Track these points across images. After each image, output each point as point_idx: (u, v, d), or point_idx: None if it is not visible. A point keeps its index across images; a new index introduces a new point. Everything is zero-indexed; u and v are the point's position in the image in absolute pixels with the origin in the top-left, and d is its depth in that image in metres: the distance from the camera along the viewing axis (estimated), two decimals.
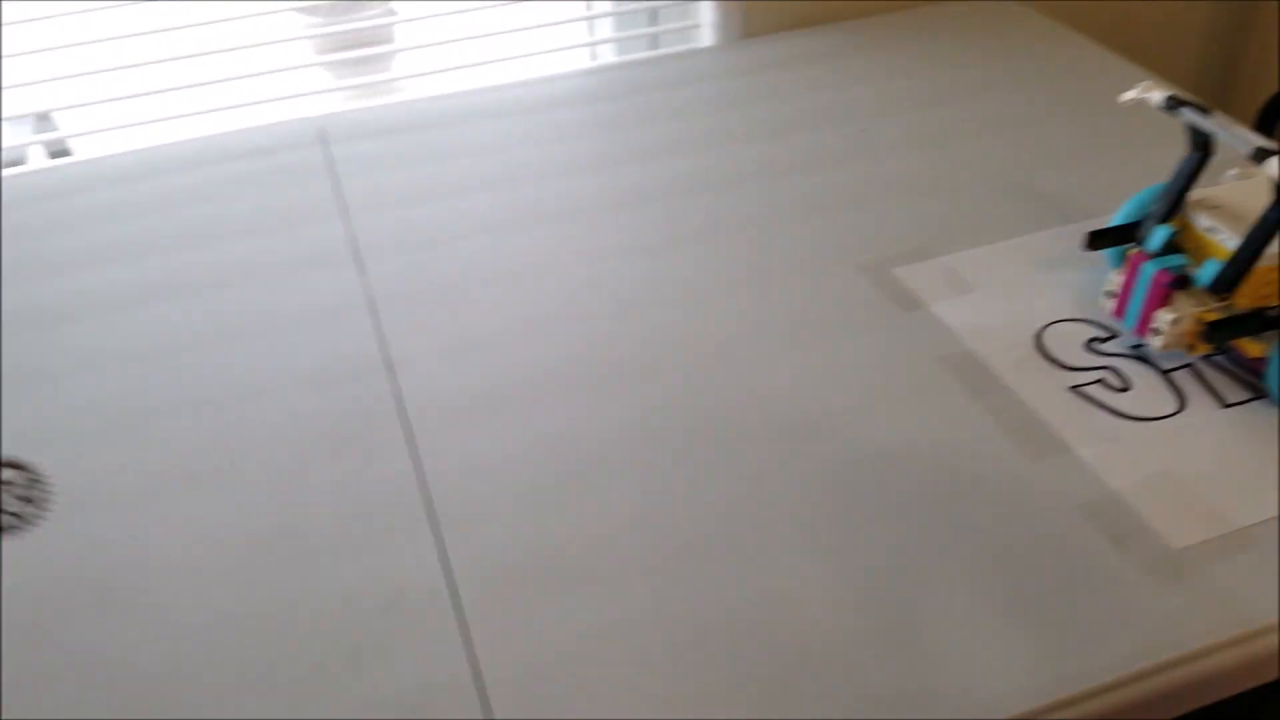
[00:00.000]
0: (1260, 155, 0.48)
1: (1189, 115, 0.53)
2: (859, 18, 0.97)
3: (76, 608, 0.46)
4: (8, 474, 0.51)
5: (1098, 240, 0.58)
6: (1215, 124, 0.52)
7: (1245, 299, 0.52)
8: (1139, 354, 0.57)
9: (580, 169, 0.75)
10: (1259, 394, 0.54)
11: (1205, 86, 1.25)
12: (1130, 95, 0.55)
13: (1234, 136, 0.50)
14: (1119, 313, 0.57)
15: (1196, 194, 0.55)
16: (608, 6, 0.99)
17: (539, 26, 0.94)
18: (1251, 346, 0.54)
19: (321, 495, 0.50)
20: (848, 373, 0.57)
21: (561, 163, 0.75)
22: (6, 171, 0.76)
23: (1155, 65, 1.16)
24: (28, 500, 0.50)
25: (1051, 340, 0.59)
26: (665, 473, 0.51)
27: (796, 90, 0.85)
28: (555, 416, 0.54)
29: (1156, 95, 0.54)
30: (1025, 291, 0.62)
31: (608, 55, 1.01)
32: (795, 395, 0.55)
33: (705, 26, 0.95)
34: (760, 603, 0.45)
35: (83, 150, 0.87)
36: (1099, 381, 0.56)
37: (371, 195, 0.72)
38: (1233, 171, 0.59)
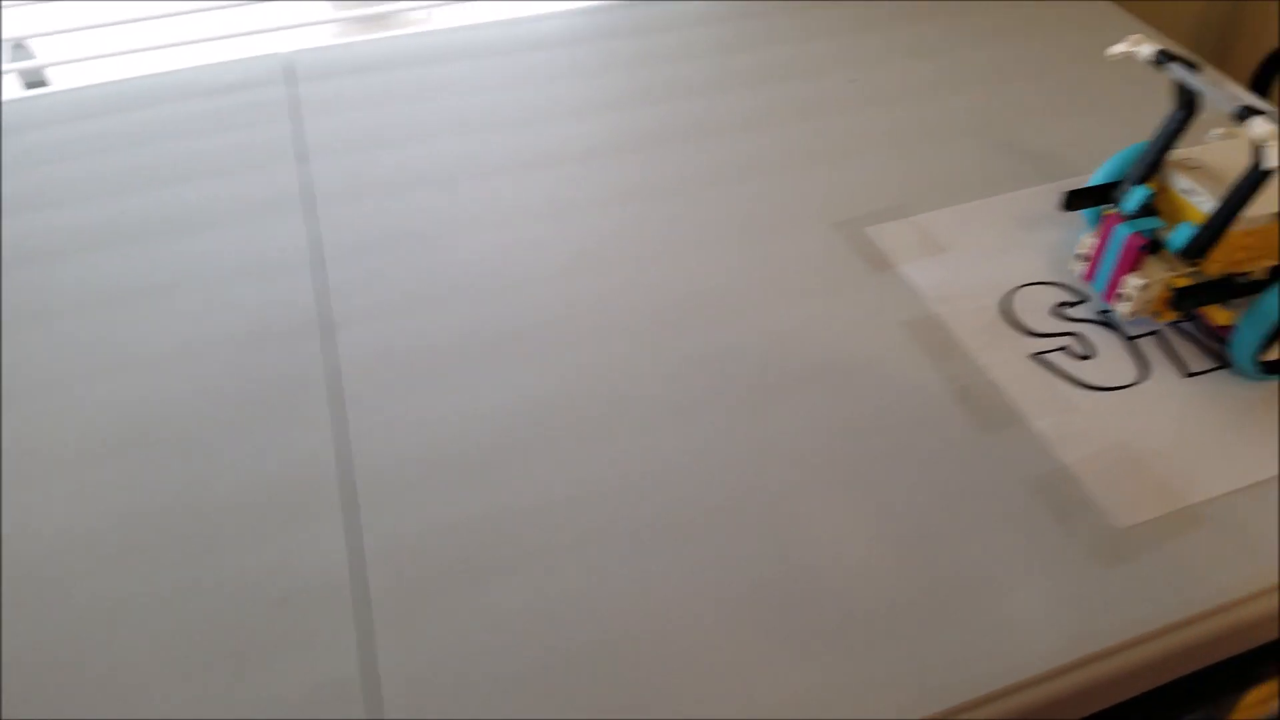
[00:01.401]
0: (1244, 114, 0.45)
1: (1177, 71, 0.50)
2: None
3: None
4: None
5: (1075, 200, 0.55)
6: (1203, 81, 0.49)
7: (1217, 265, 0.50)
8: (1107, 320, 0.55)
9: (553, 115, 0.72)
10: (1223, 363, 0.52)
11: (1204, 44, 1.20)
12: (1119, 49, 0.52)
13: (1221, 94, 0.47)
14: (1090, 276, 0.54)
15: (1177, 154, 0.52)
16: None
17: None
18: (1218, 314, 0.52)
19: (233, 469, 0.48)
20: (805, 337, 0.55)
21: (537, 107, 0.73)
22: None
23: (1155, 19, 1.12)
24: None
25: (1020, 304, 0.57)
26: (619, 444, 0.50)
27: (782, 37, 0.82)
28: (503, 384, 0.53)
29: (1146, 49, 0.51)
30: (999, 252, 0.60)
31: None
32: (739, 364, 0.53)
33: None
34: (696, 597, 0.44)
35: (59, 80, 0.85)
36: (1062, 349, 0.54)
37: (334, 138, 0.70)
38: (1217, 131, 0.56)
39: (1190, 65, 0.50)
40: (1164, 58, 0.50)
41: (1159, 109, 0.71)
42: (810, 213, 0.63)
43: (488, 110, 0.73)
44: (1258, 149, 0.45)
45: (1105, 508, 0.46)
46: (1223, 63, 1.22)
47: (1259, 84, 1.07)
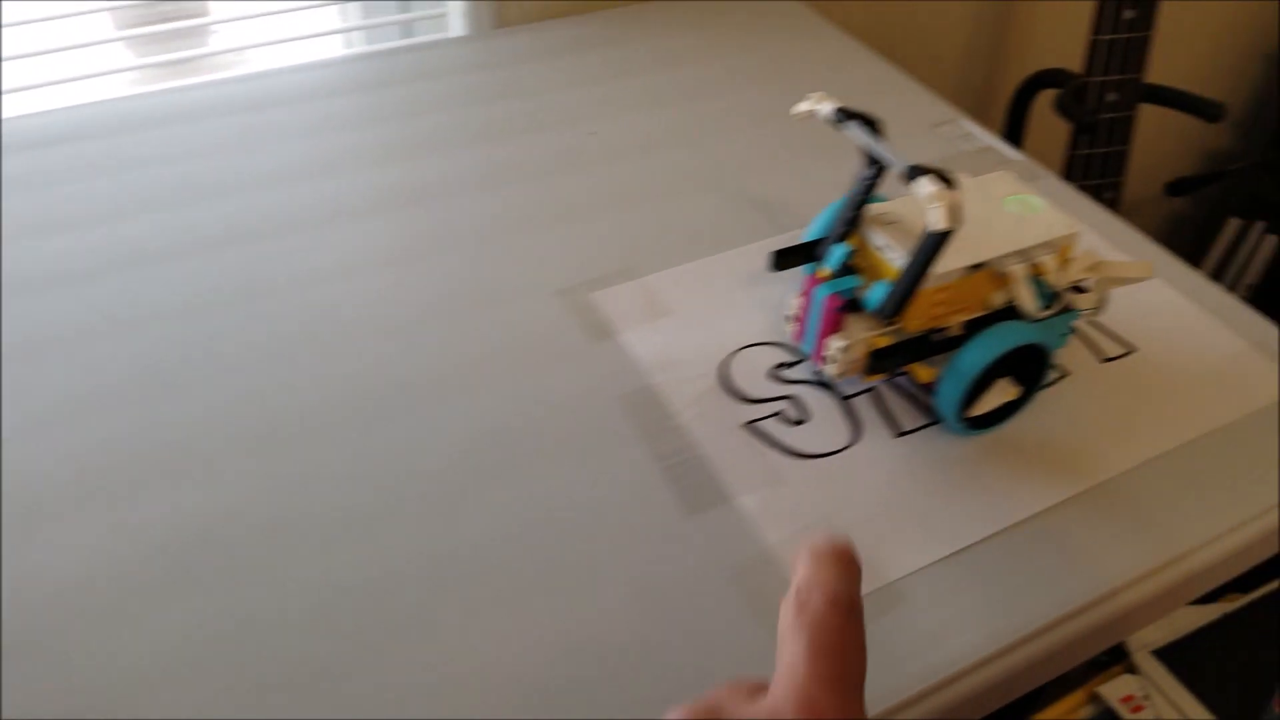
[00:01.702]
0: (912, 174, 0.44)
1: (852, 130, 0.48)
2: (621, 4, 0.91)
3: None
4: None
5: (782, 260, 0.54)
6: (876, 140, 0.48)
7: (916, 322, 0.49)
8: (822, 380, 0.54)
9: (276, 178, 0.67)
10: (935, 418, 0.51)
11: (970, 83, 1.22)
12: (802, 107, 0.50)
13: (891, 154, 0.46)
14: (800, 337, 0.53)
15: (875, 208, 0.51)
16: None
17: (287, 11, 0.86)
18: (922, 371, 0.50)
19: None
20: (511, 423, 0.51)
21: (260, 171, 0.68)
22: None
23: (921, 63, 1.14)
24: None
25: (738, 368, 0.54)
26: (290, 567, 0.45)
27: (534, 87, 0.79)
28: (164, 501, 0.47)
29: (826, 107, 0.49)
30: (722, 313, 0.58)
31: (363, 42, 0.93)
32: (434, 459, 0.50)
33: (454, 15, 0.87)
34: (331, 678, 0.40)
35: None
36: (777, 414, 0.52)
37: (26, 219, 0.63)
38: None
39: (869, 122, 0.49)
40: (842, 115, 0.49)
41: (913, 153, 0.71)
42: (534, 279, 0.60)
43: (214, 175, 0.67)
44: (928, 211, 0.44)
45: None
46: (988, 100, 1.25)
47: (1018, 103, 1.09)
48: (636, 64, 0.82)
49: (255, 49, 0.89)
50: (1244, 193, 1.51)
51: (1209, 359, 0.56)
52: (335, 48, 0.92)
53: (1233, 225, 1.52)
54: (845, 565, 0.32)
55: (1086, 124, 0.96)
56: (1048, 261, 0.48)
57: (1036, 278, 0.49)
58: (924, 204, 0.43)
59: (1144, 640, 1.26)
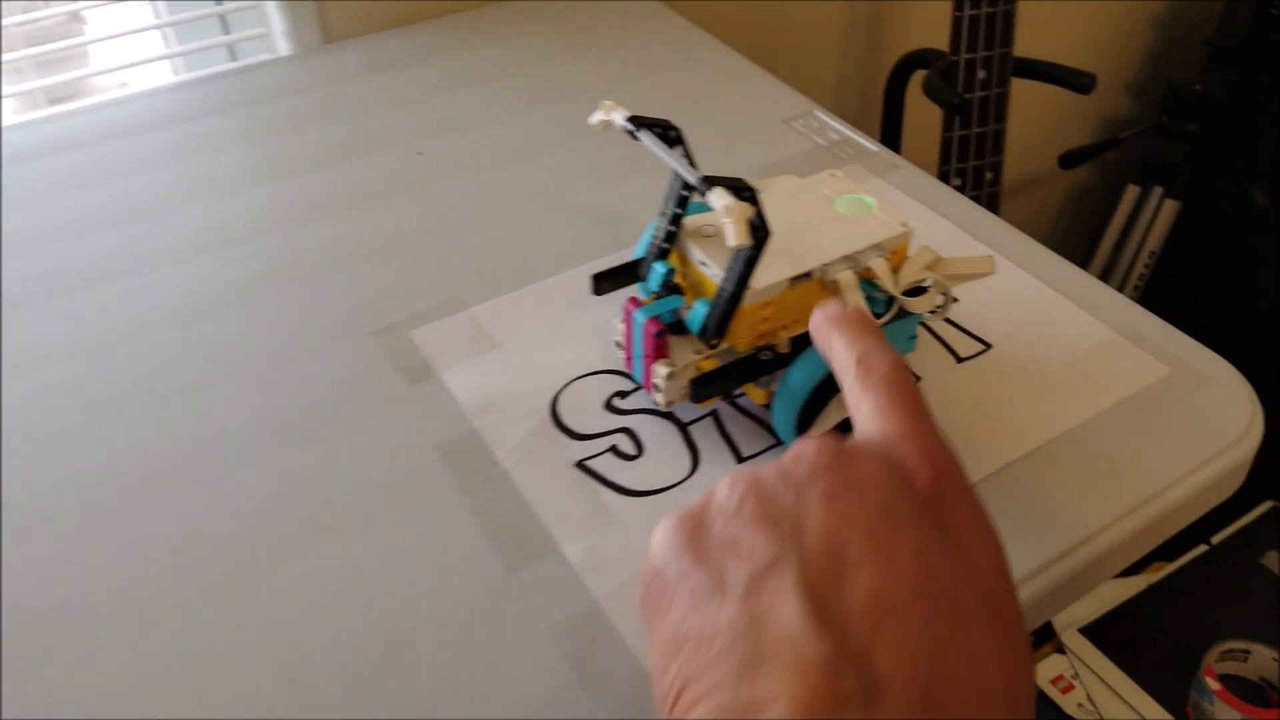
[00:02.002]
0: (705, 187, 0.40)
1: (645, 140, 0.44)
2: (458, 10, 0.86)
3: None
4: None
5: (604, 283, 0.49)
6: (669, 152, 0.43)
7: (744, 341, 0.45)
8: (658, 407, 0.49)
9: (66, 229, 0.61)
10: (778, 440, 0.47)
11: (847, 81, 1.19)
12: (596, 117, 0.46)
13: (684, 167, 0.42)
14: (629, 364, 0.48)
15: (692, 221, 0.47)
16: (173, 13, 0.85)
17: (111, 37, 0.80)
18: (756, 393, 0.46)
19: None
20: (313, 486, 0.46)
21: (43, 224, 0.62)
22: None
23: (795, 56, 1.11)
24: None
25: (570, 402, 0.50)
26: (54, 669, 0.40)
27: (361, 106, 0.74)
28: None
29: (618, 116, 0.45)
30: (555, 341, 0.53)
31: (196, 68, 0.87)
32: (228, 531, 0.44)
33: (277, 34, 0.82)
34: None
35: None
36: (611, 449, 0.48)
37: None
38: None
39: (664, 131, 0.45)
40: (636, 124, 0.44)
41: (779, 160, 0.67)
42: (348, 321, 0.55)
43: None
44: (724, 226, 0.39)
45: (635, 650, 0.40)
46: (869, 96, 1.22)
47: (892, 88, 1.06)
48: (471, 74, 0.77)
49: (87, 77, 0.83)
50: (1139, 159, 1.50)
51: (1073, 350, 0.52)
52: (165, 75, 0.86)
53: (1131, 192, 1.52)
54: (875, 328, 0.34)
55: (955, 105, 0.93)
56: (879, 265, 0.45)
57: (868, 283, 0.45)
58: (720, 219, 0.39)
59: (1070, 618, 1.25)
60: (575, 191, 0.64)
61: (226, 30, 0.86)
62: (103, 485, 0.46)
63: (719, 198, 0.39)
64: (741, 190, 0.39)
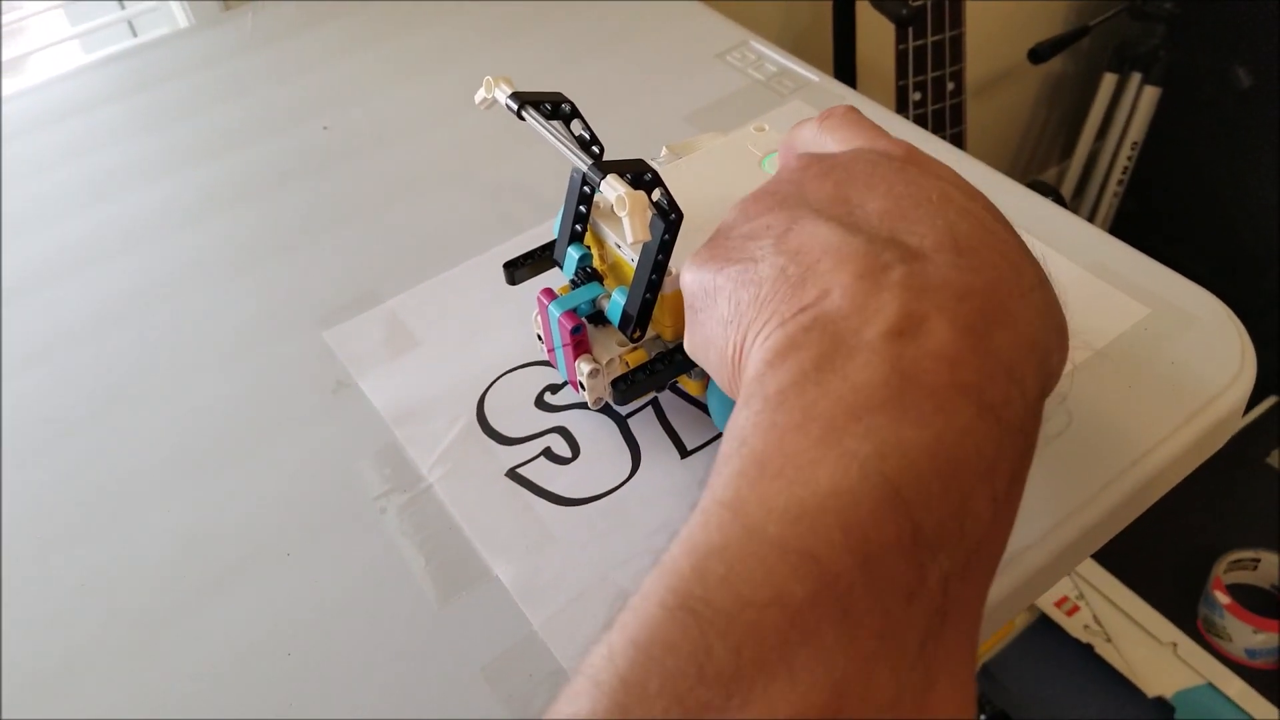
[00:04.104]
0: (598, 173, 0.35)
1: (533, 121, 0.39)
2: None
3: None
4: None
5: (513, 271, 0.45)
6: (559, 133, 0.38)
7: (670, 330, 0.40)
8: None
9: None
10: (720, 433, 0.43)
11: (796, 9, 1.11)
12: (480, 95, 0.41)
13: (570, 152, 0.37)
14: (553, 358, 0.44)
15: (604, 198, 0.42)
16: None
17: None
18: (691, 384, 0.42)
19: None
20: (224, 518, 0.43)
21: None
22: None
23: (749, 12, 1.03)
24: None
25: (498, 401, 0.46)
26: None
27: (262, 78, 0.68)
28: None
29: (501, 93, 0.40)
30: (478, 335, 0.49)
31: (100, 45, 0.81)
32: (133, 579, 0.41)
33: (174, 5, 0.76)
34: None
35: None
36: (544, 453, 0.44)
37: None
38: (662, 154, 0.46)
39: (552, 108, 0.40)
40: (520, 101, 0.39)
41: (696, 90, 0.62)
42: (253, 326, 0.51)
43: None
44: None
45: None
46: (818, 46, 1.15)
47: (841, 6, 0.99)
48: (371, 32, 0.71)
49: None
50: (1114, 45, 1.43)
51: None
52: (76, 55, 0.80)
53: (1109, 81, 1.45)
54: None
55: (906, 17, 0.87)
56: None
57: None
58: (615, 211, 0.34)
59: None
60: (492, 161, 0.59)
61: (123, 6, 0.80)
62: None
63: (611, 188, 0.34)
64: (640, 176, 0.34)
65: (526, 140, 0.60)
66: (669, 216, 0.36)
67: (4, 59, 0.73)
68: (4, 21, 0.73)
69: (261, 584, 0.40)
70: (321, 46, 0.71)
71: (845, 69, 0.99)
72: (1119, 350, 0.45)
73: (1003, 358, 0.25)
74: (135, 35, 0.80)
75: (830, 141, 0.34)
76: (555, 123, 0.40)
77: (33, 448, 0.46)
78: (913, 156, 0.31)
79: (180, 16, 0.77)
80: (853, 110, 0.34)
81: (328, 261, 0.54)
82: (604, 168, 0.35)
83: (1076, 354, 0.45)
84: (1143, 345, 0.45)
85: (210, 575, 0.41)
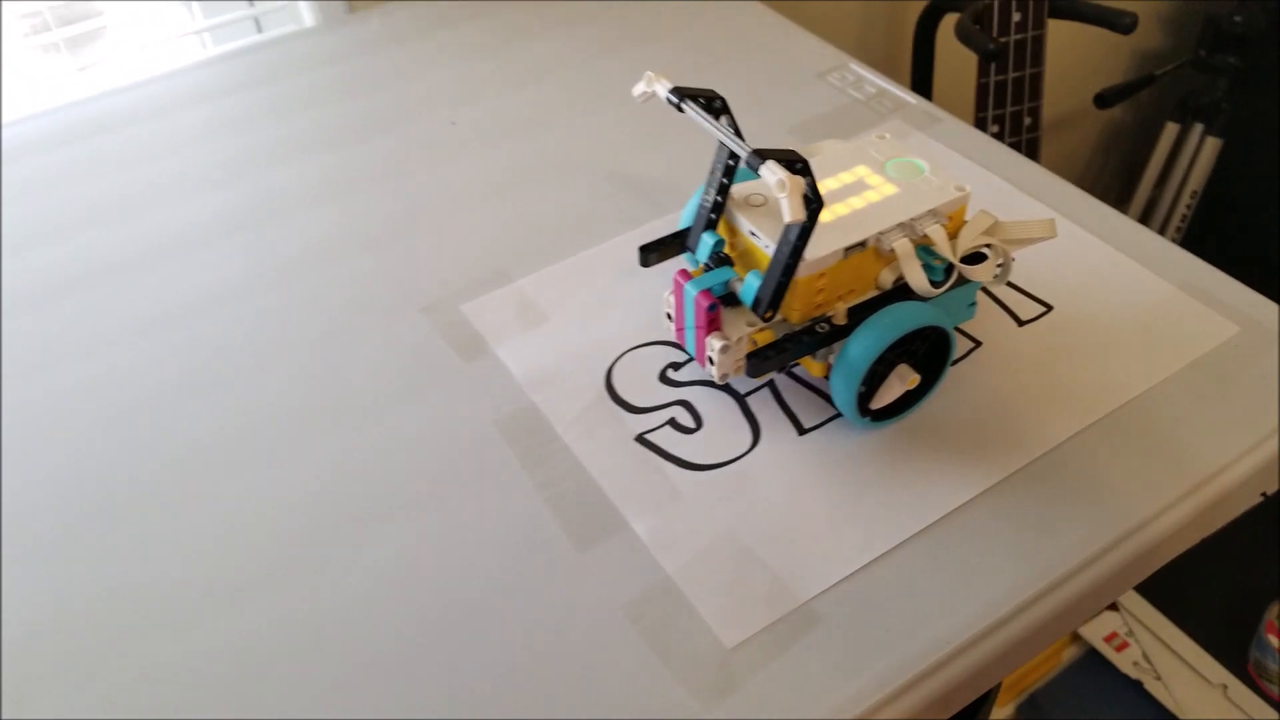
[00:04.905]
0: (755, 162, 0.39)
1: (692, 112, 0.43)
2: None
3: None
4: None
5: (650, 254, 0.49)
6: (715, 123, 0.42)
7: (798, 313, 0.44)
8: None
9: (119, 209, 0.61)
10: (838, 412, 0.47)
11: (872, 27, 1.16)
12: (639, 88, 0.45)
13: (732, 139, 0.41)
14: (681, 336, 0.48)
15: (740, 189, 0.46)
16: None
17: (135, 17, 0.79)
18: (813, 366, 0.46)
19: None
20: (379, 464, 0.47)
21: (101, 202, 0.62)
22: None
23: (812, 11, 1.07)
24: None
25: (624, 374, 0.50)
26: (148, 642, 0.40)
27: (389, 76, 0.73)
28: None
29: (661, 88, 0.44)
30: (604, 313, 0.53)
31: (222, 41, 0.86)
32: (297, 513, 0.45)
33: (302, 4, 0.81)
34: None
35: None
36: (671, 422, 0.48)
37: None
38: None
39: (707, 101, 0.44)
40: (680, 95, 0.43)
41: (818, 118, 0.66)
42: (398, 296, 0.55)
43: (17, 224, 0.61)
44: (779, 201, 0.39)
45: (711, 624, 0.40)
46: (897, 2, 1.19)
47: (922, 35, 1.03)
48: (495, 38, 0.76)
49: (115, 60, 0.82)
50: (1177, 95, 1.47)
51: (1137, 309, 0.51)
52: (193, 50, 0.85)
53: (1170, 130, 1.48)
54: None
55: (992, 52, 0.90)
56: (936, 231, 0.44)
57: (926, 250, 0.44)
58: (774, 195, 0.38)
59: None
60: (610, 157, 0.64)
61: (251, 2, 0.85)
62: (160, 471, 0.47)
63: (772, 172, 0.38)
64: (794, 164, 0.38)
65: (639, 141, 0.64)
66: (811, 205, 0.40)
67: (130, 48, 0.78)
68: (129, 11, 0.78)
69: (411, 527, 0.44)
70: (445, 49, 0.75)
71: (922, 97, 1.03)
72: (1210, 363, 0.48)
73: None
74: (261, 31, 0.86)
75: None
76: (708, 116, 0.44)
77: (195, 392, 0.50)
78: None
79: (306, 16, 0.82)
80: None
81: (459, 241, 0.58)
82: (762, 154, 0.39)
83: (1171, 363, 0.48)
84: (1234, 359, 0.48)
85: (369, 512, 0.45)
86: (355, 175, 0.64)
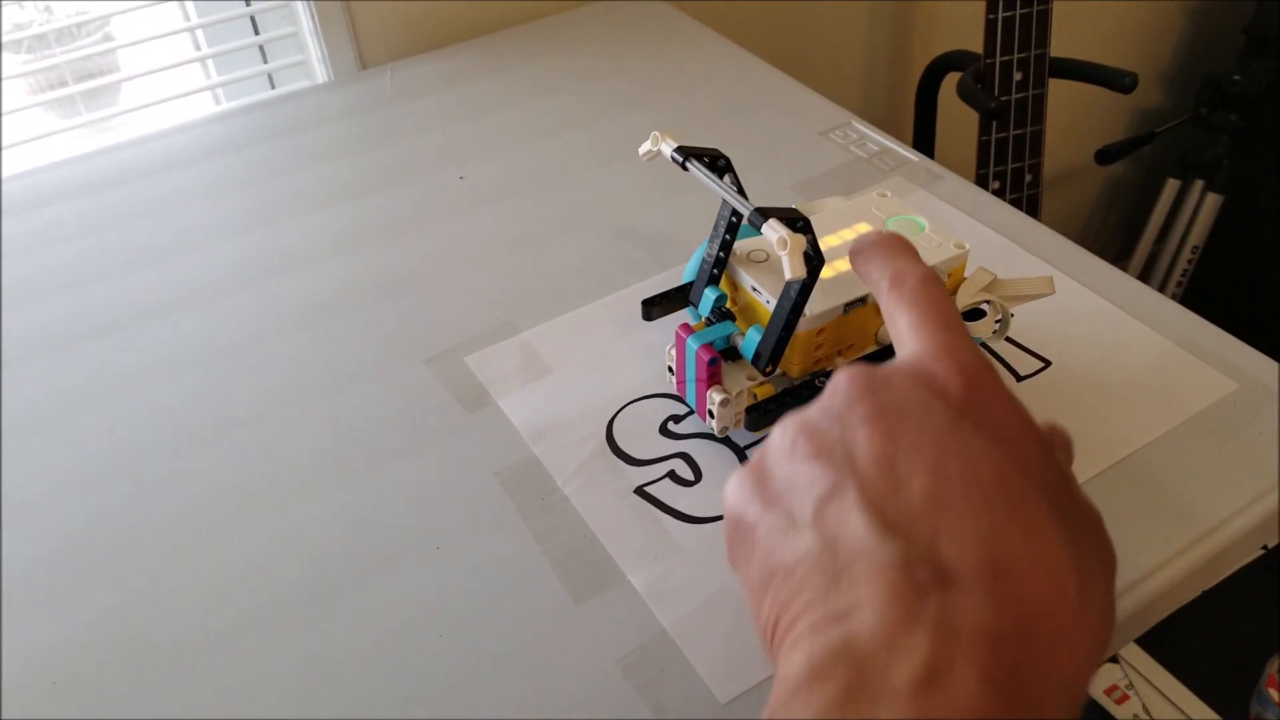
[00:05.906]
0: (758, 219, 0.40)
1: (696, 171, 0.44)
2: (484, 34, 0.86)
3: None
4: None
5: (653, 308, 0.49)
6: (719, 182, 0.43)
7: (798, 367, 0.45)
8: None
9: (128, 263, 0.62)
10: None
11: (874, 85, 1.18)
12: (645, 147, 0.46)
13: (734, 198, 0.42)
14: (682, 390, 0.48)
15: (744, 245, 0.47)
16: (212, 44, 0.86)
17: (150, 72, 0.81)
18: None
19: None
20: (378, 515, 0.47)
21: (109, 256, 0.63)
22: None
23: (819, 63, 1.10)
24: None
25: (625, 426, 0.50)
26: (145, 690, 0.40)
27: (399, 131, 0.74)
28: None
29: (667, 147, 0.45)
30: (607, 365, 0.54)
31: (235, 97, 0.88)
32: (295, 565, 0.45)
33: (314, 61, 0.83)
34: None
35: None
36: (670, 474, 0.48)
37: None
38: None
39: (711, 160, 0.44)
40: (684, 154, 0.44)
41: (822, 172, 0.67)
42: (403, 348, 0.55)
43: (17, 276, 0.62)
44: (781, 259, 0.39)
45: (706, 679, 0.40)
46: (903, 61, 1.21)
47: (924, 93, 1.05)
48: (505, 96, 0.78)
49: (126, 114, 0.84)
50: (1178, 152, 1.48)
51: (1135, 365, 0.52)
52: (206, 105, 0.87)
53: (1171, 186, 1.50)
54: (908, 247, 0.34)
55: (994, 110, 0.92)
56: None
57: None
58: (775, 250, 0.39)
59: None
60: (615, 212, 0.65)
61: (265, 59, 0.87)
62: (165, 521, 0.47)
63: (773, 230, 0.39)
64: (795, 221, 0.39)
65: (645, 196, 0.65)
66: (812, 262, 0.40)
67: (137, 104, 0.80)
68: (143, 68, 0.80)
69: (417, 573, 0.44)
70: (454, 106, 0.77)
71: (924, 154, 1.05)
72: (1209, 419, 0.48)
73: (1033, 701, 0.25)
74: (274, 88, 0.88)
75: (899, 314, 0.32)
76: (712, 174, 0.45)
77: (201, 442, 0.51)
78: (970, 400, 0.29)
79: (319, 72, 0.83)
80: (928, 285, 0.33)
81: (466, 294, 0.59)
82: (764, 213, 0.39)
83: (1169, 419, 0.48)
84: (1231, 416, 0.48)
85: (370, 563, 0.45)
86: (364, 229, 0.65)
